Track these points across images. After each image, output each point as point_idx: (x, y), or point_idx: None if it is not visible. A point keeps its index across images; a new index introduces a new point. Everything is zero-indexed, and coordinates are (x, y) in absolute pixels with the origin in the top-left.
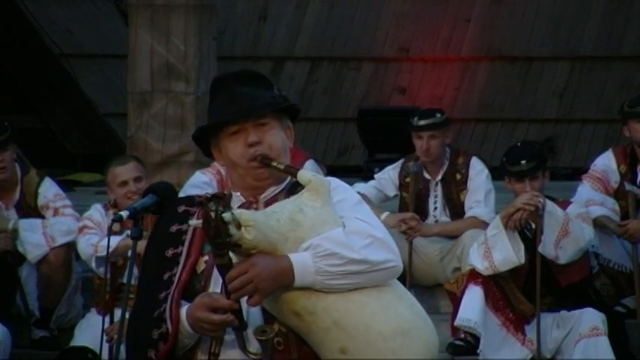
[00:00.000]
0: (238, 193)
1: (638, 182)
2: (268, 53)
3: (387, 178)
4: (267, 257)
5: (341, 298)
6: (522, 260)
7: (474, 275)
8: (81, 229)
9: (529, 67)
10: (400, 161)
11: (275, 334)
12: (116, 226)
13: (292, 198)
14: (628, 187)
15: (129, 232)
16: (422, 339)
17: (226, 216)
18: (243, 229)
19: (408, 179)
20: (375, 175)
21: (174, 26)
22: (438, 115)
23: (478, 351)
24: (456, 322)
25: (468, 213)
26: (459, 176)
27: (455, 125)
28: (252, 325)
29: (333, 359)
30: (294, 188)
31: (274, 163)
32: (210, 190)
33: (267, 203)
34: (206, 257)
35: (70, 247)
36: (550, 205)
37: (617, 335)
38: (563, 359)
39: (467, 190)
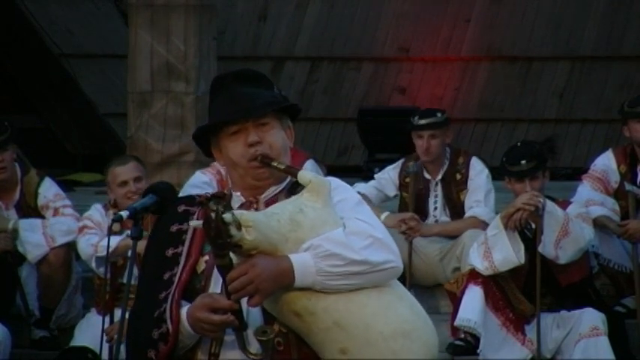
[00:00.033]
0: (238, 193)
1: (638, 182)
2: (268, 53)
3: (387, 178)
4: (268, 258)
5: (341, 298)
6: (522, 260)
7: (474, 275)
8: (81, 229)
9: (529, 67)
10: (400, 161)
11: (275, 335)
12: (116, 226)
13: (293, 198)
14: (628, 187)
15: (129, 232)
16: (422, 339)
17: (227, 217)
18: (243, 229)
19: (408, 179)
20: (375, 175)
21: (174, 26)
22: (439, 114)
23: (478, 351)
24: (456, 322)
25: (468, 213)
26: (459, 176)
27: (455, 125)
28: (253, 325)
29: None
30: (295, 188)
31: (275, 163)
32: (211, 190)
33: (268, 203)
34: (206, 257)
35: (70, 247)
36: (550, 205)
37: (617, 335)
38: (563, 359)
39: (467, 190)
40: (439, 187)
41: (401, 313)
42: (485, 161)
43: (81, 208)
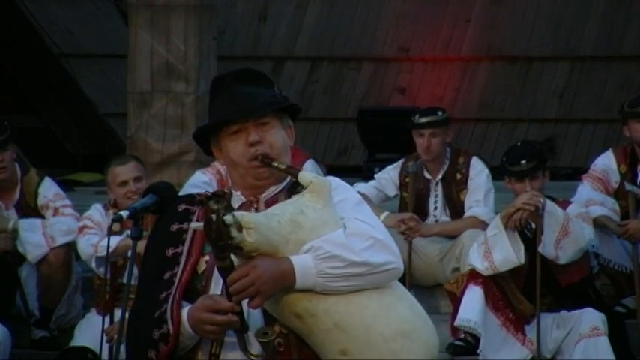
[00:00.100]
0: (238, 193)
1: (638, 182)
2: (268, 53)
3: (388, 178)
4: (269, 259)
5: (342, 299)
6: (522, 260)
7: (473, 275)
8: (81, 229)
9: (529, 67)
10: (400, 161)
11: (276, 336)
12: (116, 226)
13: (293, 199)
14: (628, 187)
15: (129, 232)
16: (422, 340)
17: (228, 219)
18: (244, 231)
19: (408, 179)
20: (376, 175)
21: (174, 26)
22: (440, 113)
23: (478, 351)
24: (456, 322)
25: (468, 213)
26: (459, 176)
27: (455, 125)
28: (253, 326)
29: None
30: (295, 188)
31: (275, 164)
32: (211, 190)
33: (268, 202)
34: (207, 257)
35: (70, 247)
36: (550, 205)
37: (617, 335)
38: (563, 359)
39: (467, 189)
40: (439, 187)
41: (401, 313)
42: (486, 161)
43: (81, 208)
